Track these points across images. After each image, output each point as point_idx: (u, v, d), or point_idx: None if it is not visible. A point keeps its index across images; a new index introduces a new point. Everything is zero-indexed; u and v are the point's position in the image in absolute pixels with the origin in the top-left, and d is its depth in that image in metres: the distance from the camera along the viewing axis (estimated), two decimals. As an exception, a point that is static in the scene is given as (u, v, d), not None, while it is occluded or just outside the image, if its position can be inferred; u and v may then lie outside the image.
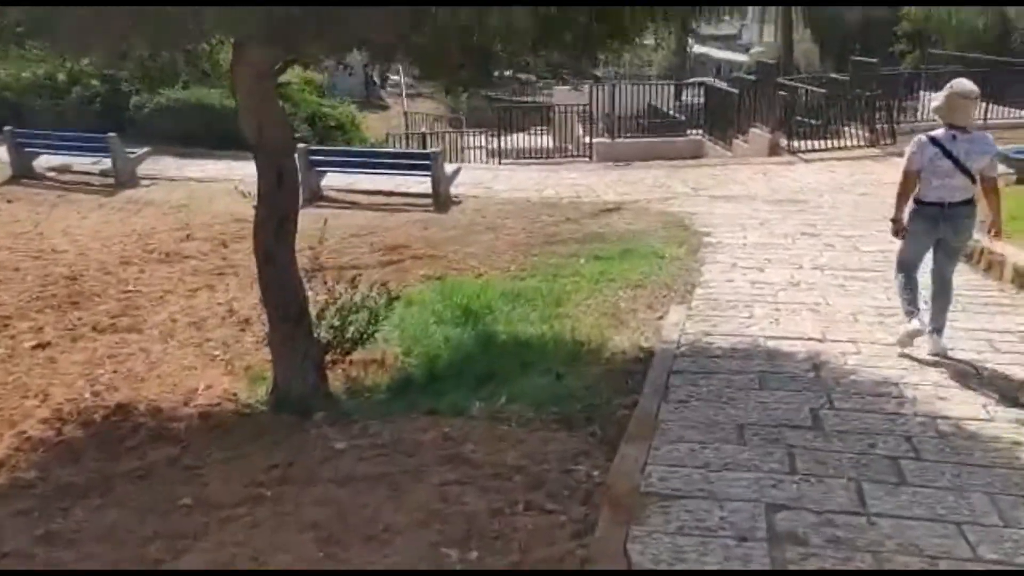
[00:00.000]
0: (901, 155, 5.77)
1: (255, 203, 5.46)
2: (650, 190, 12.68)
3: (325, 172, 12.28)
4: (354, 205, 12.06)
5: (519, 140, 21.05)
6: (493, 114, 23.94)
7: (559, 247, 9.46)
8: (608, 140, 18.17)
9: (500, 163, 17.81)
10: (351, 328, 5.99)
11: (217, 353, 6.55)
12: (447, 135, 21.46)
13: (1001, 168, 12.40)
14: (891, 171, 14.27)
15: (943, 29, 24.44)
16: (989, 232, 5.54)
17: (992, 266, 7.94)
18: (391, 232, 10.45)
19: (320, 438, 4.80)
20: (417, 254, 9.27)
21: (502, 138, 21.18)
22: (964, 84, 5.10)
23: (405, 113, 24.19)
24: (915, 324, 5.44)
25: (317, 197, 12.20)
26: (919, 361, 5.51)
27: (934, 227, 5.27)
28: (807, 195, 11.91)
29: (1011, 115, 17.44)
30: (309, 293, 5.86)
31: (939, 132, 5.15)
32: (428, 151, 11.77)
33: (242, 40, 4.88)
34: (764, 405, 4.78)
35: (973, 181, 5.15)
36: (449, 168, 12.24)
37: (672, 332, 6.28)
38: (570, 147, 20.22)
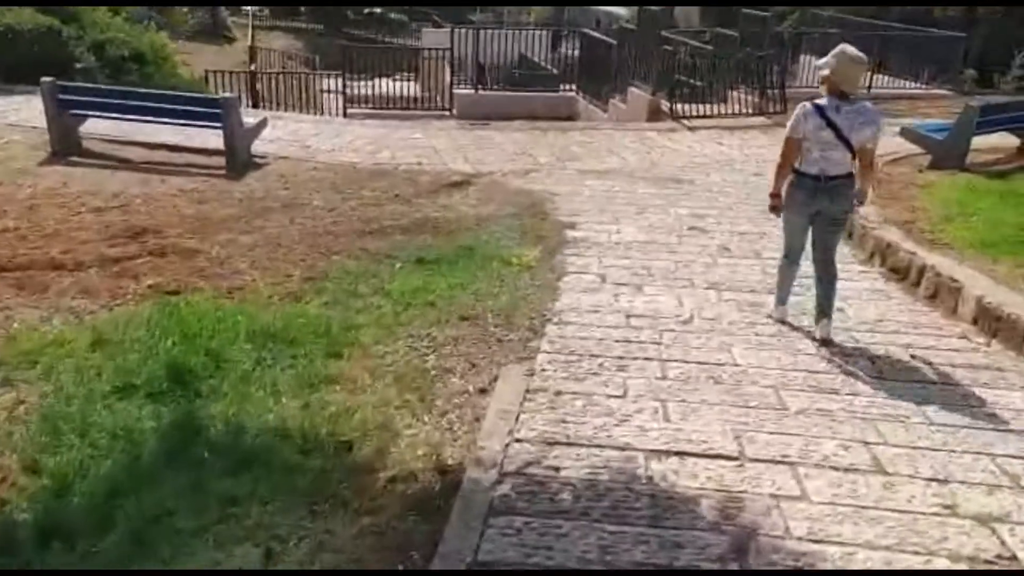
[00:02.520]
0: (790, 125, 4.67)
1: None
2: (510, 158, 9.89)
3: (84, 116, 8.85)
4: (123, 163, 8.73)
5: (382, 86, 17.84)
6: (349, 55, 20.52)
7: (373, 241, 6.60)
8: (471, 92, 15.23)
9: (346, 114, 14.61)
10: None
11: None
12: (297, 76, 17.90)
13: (909, 146, 10.35)
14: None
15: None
16: (855, 200, 4.79)
17: (940, 294, 5.62)
18: (150, 207, 7.28)
19: None
20: (165, 246, 6.20)
21: (359, 84, 17.91)
22: (852, 50, 4.51)
23: (250, 48, 20.30)
24: (777, 314, 5.10)
25: (73, 150, 8.80)
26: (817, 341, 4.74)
27: (811, 199, 4.66)
28: (693, 173, 9.43)
29: (895, 84, 15.61)
30: None
31: (823, 101, 4.53)
32: (218, 96, 8.57)
33: None
34: None
35: (853, 155, 4.56)
36: (250, 120, 9.04)
37: (497, 432, 3.58)
38: (437, 97, 17.14)
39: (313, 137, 10.42)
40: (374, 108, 16.36)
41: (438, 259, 6.16)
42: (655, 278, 5.98)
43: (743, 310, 5.36)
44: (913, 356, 4.68)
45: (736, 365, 4.43)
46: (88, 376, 4.09)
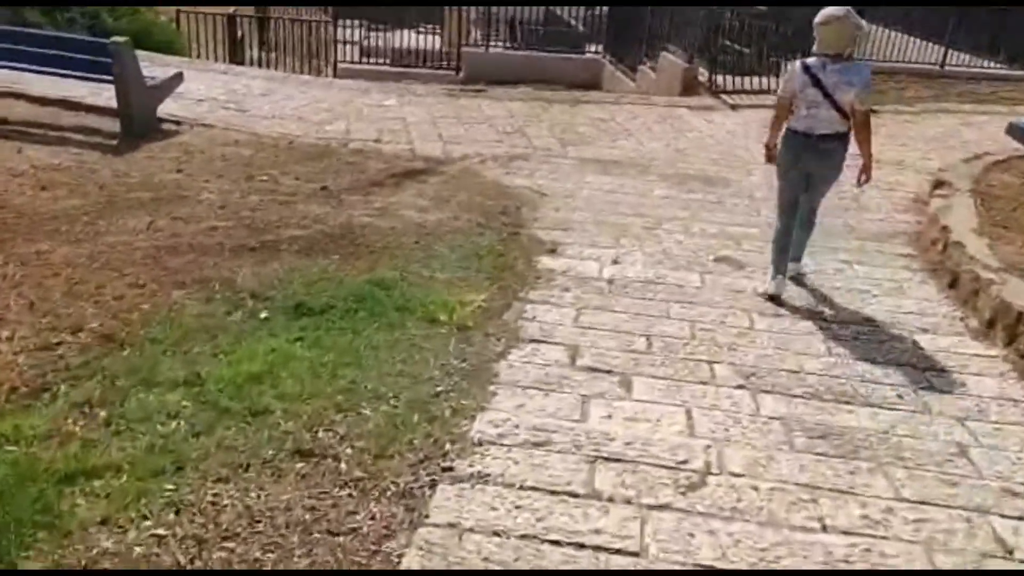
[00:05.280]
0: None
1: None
2: (497, 138, 7.44)
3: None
4: (-7, 123, 6.50)
5: (401, 39, 15.47)
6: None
7: (252, 264, 4.29)
8: (480, 50, 12.70)
9: (336, 71, 12.19)
10: None
11: None
12: (303, 24, 15.41)
13: (1013, 145, 7.66)
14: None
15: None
16: (860, 179, 4.38)
17: None
18: (-30, 193, 5.04)
19: None
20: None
21: (374, 35, 15.59)
22: (824, 11, 4.18)
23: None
24: (772, 287, 4.38)
25: (-65, 103, 6.57)
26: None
27: (798, 158, 4.37)
28: (729, 169, 6.91)
29: (972, 63, 12.68)
30: None
31: (812, 60, 4.26)
32: (107, 40, 6.24)
33: None
34: None
35: (843, 115, 4.22)
36: (158, 72, 6.68)
37: None
38: (456, 53, 14.63)
39: (259, 98, 8.04)
40: (385, 64, 13.96)
41: (327, 307, 3.85)
42: (656, 358, 3.61)
43: (796, 448, 2.96)
44: None
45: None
46: None
